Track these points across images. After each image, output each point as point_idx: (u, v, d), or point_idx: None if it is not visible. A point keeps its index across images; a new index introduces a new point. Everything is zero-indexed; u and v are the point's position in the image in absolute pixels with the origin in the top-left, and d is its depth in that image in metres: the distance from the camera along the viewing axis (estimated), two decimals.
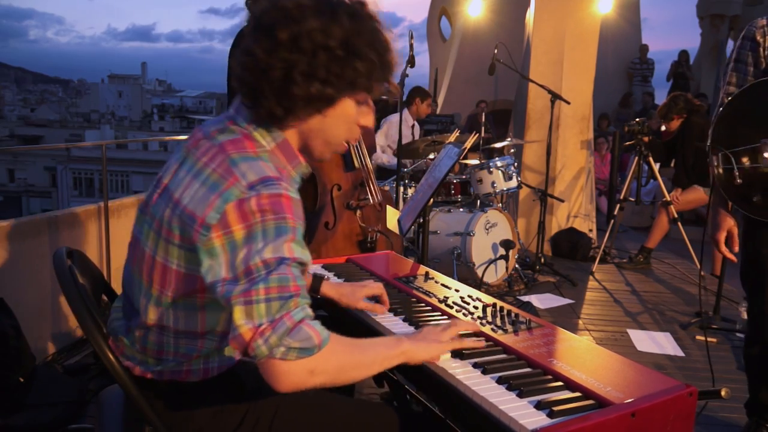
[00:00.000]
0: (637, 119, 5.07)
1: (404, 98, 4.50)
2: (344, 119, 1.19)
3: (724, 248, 2.11)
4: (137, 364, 1.24)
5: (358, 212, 3.18)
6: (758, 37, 2.07)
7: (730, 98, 2.06)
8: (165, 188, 1.17)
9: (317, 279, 1.63)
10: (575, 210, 5.63)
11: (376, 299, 1.60)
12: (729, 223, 2.11)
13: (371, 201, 3.24)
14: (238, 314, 1.00)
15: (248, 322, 1.00)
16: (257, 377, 1.20)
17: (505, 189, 4.44)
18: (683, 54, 11.28)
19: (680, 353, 3.29)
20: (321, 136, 1.20)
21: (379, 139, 5.88)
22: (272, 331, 1.00)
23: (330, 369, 1.07)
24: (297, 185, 1.22)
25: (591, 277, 4.81)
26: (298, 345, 1.01)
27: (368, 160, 3.28)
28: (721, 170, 2.03)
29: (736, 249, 2.12)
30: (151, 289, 1.18)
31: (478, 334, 1.38)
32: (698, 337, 3.53)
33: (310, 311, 1.06)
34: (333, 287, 1.61)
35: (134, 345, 1.24)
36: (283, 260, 1.03)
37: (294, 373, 1.02)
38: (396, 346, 1.20)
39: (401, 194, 4.20)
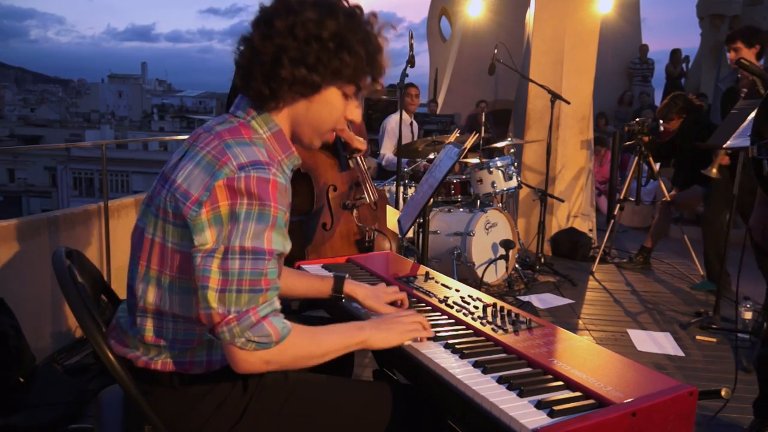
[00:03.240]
0: (637, 119, 5.07)
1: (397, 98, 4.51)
2: (330, 107, 1.27)
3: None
4: (140, 355, 1.26)
5: (355, 212, 3.19)
6: None
7: None
8: (166, 178, 1.22)
9: (339, 279, 1.62)
10: (575, 210, 5.63)
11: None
12: None
13: (367, 200, 3.23)
14: (211, 296, 1.10)
15: (219, 307, 1.10)
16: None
17: (505, 189, 4.44)
18: (676, 53, 11.27)
19: (680, 353, 3.29)
20: (308, 122, 1.28)
21: (388, 146, 5.86)
22: (237, 323, 1.10)
23: (285, 360, 1.18)
24: (289, 174, 1.28)
25: (591, 277, 4.81)
26: (257, 339, 1.12)
27: (362, 158, 3.29)
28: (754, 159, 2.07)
29: None
30: (149, 270, 1.22)
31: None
32: (698, 337, 3.53)
33: (277, 304, 1.16)
34: (358, 288, 1.60)
35: (135, 335, 1.26)
36: (259, 252, 1.12)
37: (250, 362, 1.14)
38: (356, 335, 1.29)
39: (401, 194, 4.20)
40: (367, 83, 1.27)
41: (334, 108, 1.27)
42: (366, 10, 1.26)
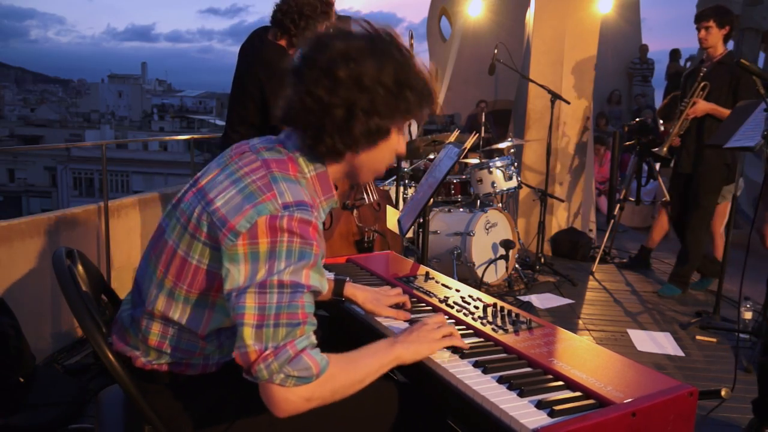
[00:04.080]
0: (637, 119, 5.08)
1: None
2: (390, 148, 1.27)
3: None
4: (140, 355, 1.26)
5: (355, 212, 3.18)
6: None
7: None
8: (201, 188, 1.20)
9: (339, 282, 1.62)
10: (575, 210, 5.63)
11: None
12: None
13: (367, 201, 3.23)
14: (248, 333, 1.06)
15: (255, 344, 1.06)
16: None
17: (505, 189, 4.44)
18: (675, 52, 11.27)
19: (680, 353, 3.29)
20: (371, 165, 1.28)
21: None
22: (274, 358, 1.05)
23: (326, 394, 1.12)
24: (323, 218, 1.26)
25: (591, 277, 4.81)
26: (297, 374, 1.07)
27: None
28: None
29: None
30: (165, 280, 1.21)
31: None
32: (698, 337, 3.53)
33: (313, 338, 1.12)
34: (358, 291, 1.61)
35: (137, 335, 1.26)
36: (298, 286, 1.09)
37: (290, 401, 1.08)
38: (388, 353, 1.24)
39: (401, 194, 4.20)
40: (425, 113, 1.27)
41: (393, 147, 1.28)
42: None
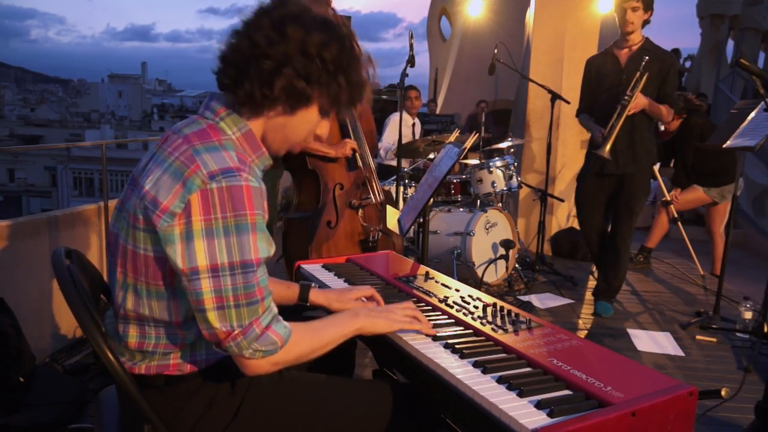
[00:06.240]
0: None
1: (402, 98, 4.50)
2: (307, 124, 1.29)
3: None
4: (126, 361, 1.26)
5: (360, 211, 3.18)
6: None
7: None
8: (136, 181, 1.22)
9: (305, 288, 1.65)
10: (575, 210, 5.62)
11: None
12: None
13: (373, 200, 3.23)
14: (212, 317, 1.13)
15: (223, 326, 1.13)
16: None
17: (505, 189, 4.45)
18: (675, 52, 11.28)
19: (680, 353, 3.29)
20: (282, 133, 1.29)
21: (389, 137, 5.89)
22: (243, 337, 1.14)
23: (290, 358, 1.22)
24: (260, 174, 1.27)
25: (591, 277, 4.81)
26: (264, 348, 1.16)
27: (371, 159, 3.28)
28: None
29: None
30: (126, 278, 1.22)
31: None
32: (698, 337, 3.53)
33: (275, 309, 1.20)
34: (322, 294, 1.64)
35: (120, 341, 1.26)
36: (248, 265, 1.13)
37: (260, 366, 1.19)
38: (351, 324, 1.34)
39: (401, 194, 4.20)
40: (347, 107, 1.30)
41: (311, 124, 1.29)
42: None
